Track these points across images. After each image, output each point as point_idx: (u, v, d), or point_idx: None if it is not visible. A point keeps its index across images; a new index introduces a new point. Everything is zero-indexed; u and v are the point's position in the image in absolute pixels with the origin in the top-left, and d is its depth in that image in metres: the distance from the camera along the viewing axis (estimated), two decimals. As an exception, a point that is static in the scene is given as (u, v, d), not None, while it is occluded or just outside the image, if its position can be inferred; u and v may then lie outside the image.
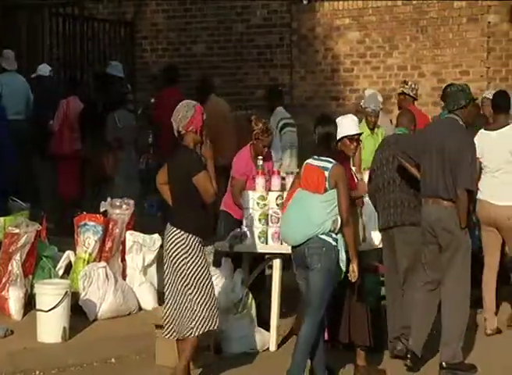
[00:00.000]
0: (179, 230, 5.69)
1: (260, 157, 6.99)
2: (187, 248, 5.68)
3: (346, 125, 6.09)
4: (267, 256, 6.93)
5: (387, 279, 6.64)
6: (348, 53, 11.81)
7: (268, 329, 6.77)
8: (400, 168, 6.43)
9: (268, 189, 6.88)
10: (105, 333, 6.80)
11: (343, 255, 5.69)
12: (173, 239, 5.71)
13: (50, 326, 6.57)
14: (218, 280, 6.75)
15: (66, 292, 6.65)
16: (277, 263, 6.81)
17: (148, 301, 7.39)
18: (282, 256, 6.77)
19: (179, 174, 5.67)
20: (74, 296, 6.92)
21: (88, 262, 7.24)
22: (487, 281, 7.13)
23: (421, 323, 6.24)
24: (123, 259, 7.48)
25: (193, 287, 5.69)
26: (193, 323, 5.70)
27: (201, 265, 5.72)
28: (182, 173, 5.64)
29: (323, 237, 5.67)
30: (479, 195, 6.96)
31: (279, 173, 7.00)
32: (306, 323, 5.71)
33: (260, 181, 6.86)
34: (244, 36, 12.38)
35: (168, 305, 5.82)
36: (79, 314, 6.95)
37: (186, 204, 5.68)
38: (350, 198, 5.78)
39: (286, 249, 6.74)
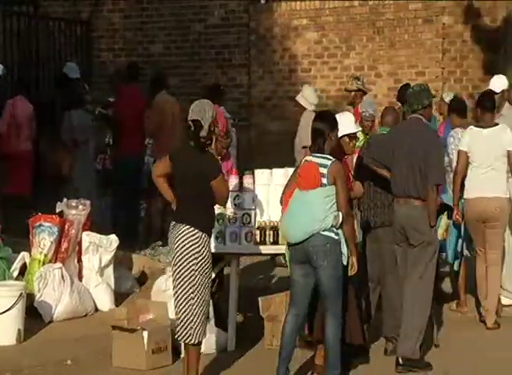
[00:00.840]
0: (193, 229, 5.61)
1: (218, 157, 6.96)
2: (200, 247, 5.63)
3: (346, 123, 6.09)
4: (225, 256, 6.92)
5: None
6: (306, 53, 11.85)
7: (225, 329, 6.75)
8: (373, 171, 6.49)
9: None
10: (61, 335, 6.73)
11: (344, 250, 5.69)
12: (185, 237, 5.62)
13: (4, 329, 6.48)
14: (175, 280, 6.70)
15: (21, 294, 6.56)
16: (234, 263, 6.79)
17: (105, 302, 7.33)
18: (240, 256, 6.76)
19: (195, 176, 5.60)
20: (29, 298, 6.84)
21: (44, 264, 7.16)
22: (492, 279, 7.21)
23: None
24: (79, 260, 7.42)
25: (196, 290, 5.62)
26: (190, 329, 5.65)
27: (209, 266, 5.69)
28: (200, 173, 5.59)
29: (325, 233, 5.65)
30: (467, 195, 7.18)
31: (236, 173, 6.98)
32: (329, 318, 5.66)
33: (233, 180, 6.84)
34: (202, 36, 12.35)
35: (175, 305, 5.71)
36: (34, 316, 6.87)
37: (200, 203, 5.63)
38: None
39: (244, 249, 6.75)
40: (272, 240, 6.68)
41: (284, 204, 5.83)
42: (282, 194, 5.91)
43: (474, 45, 11.38)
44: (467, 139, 7.22)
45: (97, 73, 12.35)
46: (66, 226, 7.37)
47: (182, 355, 6.47)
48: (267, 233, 6.68)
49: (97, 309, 7.29)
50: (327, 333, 5.71)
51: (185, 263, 5.63)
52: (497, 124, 7.28)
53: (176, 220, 5.70)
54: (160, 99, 9.31)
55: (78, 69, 10.62)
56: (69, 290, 7.03)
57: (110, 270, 7.45)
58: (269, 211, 6.80)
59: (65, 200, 7.58)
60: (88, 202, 7.59)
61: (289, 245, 5.80)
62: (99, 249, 7.41)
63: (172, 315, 6.51)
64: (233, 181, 6.84)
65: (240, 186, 6.83)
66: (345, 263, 5.71)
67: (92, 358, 6.42)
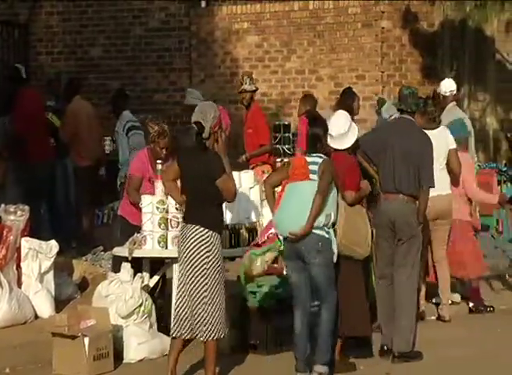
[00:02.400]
0: (202, 228, 5.68)
1: (159, 161, 6.92)
2: (211, 246, 5.69)
3: (341, 123, 6.29)
4: (167, 261, 6.88)
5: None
6: (247, 57, 11.88)
7: (168, 334, 6.70)
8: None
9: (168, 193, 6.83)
10: (0, 343, 6.60)
11: (335, 248, 5.83)
12: (196, 236, 5.68)
13: None
14: (116, 286, 6.65)
15: (-42, 302, 6.41)
16: (177, 268, 6.75)
17: (45, 309, 7.22)
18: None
19: (200, 176, 5.70)
20: (-34, 305, 6.68)
21: (-19, 271, 7.01)
22: (444, 273, 7.54)
23: (388, 320, 6.43)
24: (18, 267, 7.28)
25: (210, 288, 5.67)
26: (206, 327, 5.68)
27: (221, 265, 5.74)
28: (205, 174, 5.69)
29: (317, 231, 5.75)
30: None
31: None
32: (324, 310, 5.78)
33: (159, 185, 6.79)
34: (142, 39, 12.29)
35: (180, 304, 5.75)
36: (-28, 324, 6.72)
37: (208, 203, 5.72)
38: (357, 198, 6.05)
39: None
40: (229, 243, 6.68)
41: (276, 201, 5.91)
42: (267, 184, 6.02)
43: (412, 49, 11.56)
44: None
45: (34, 76, 12.17)
46: (4, 232, 7.22)
47: (124, 361, 6.42)
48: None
49: (37, 316, 7.17)
50: (320, 327, 5.80)
51: (197, 263, 5.69)
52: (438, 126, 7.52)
53: (186, 221, 5.80)
54: (75, 105, 9.16)
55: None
56: (8, 297, 6.89)
57: (50, 276, 7.34)
58: (226, 214, 6.78)
59: (2, 205, 7.43)
60: (27, 208, 7.46)
61: (284, 240, 5.88)
62: (39, 255, 7.28)
63: (113, 320, 6.46)
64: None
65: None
66: (334, 261, 5.84)
67: (32, 366, 6.31)
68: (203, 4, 12.35)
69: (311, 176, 5.80)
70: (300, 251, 5.80)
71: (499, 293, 8.52)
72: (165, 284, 7.14)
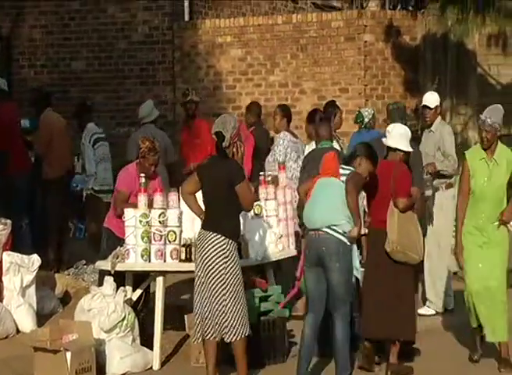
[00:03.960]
0: (220, 236, 5.87)
1: (142, 174, 6.91)
2: (228, 253, 5.88)
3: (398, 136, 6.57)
4: (150, 274, 6.85)
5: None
6: (230, 70, 11.90)
7: (151, 347, 6.68)
8: None
9: (151, 206, 6.81)
10: (-19, 358, 6.54)
11: (357, 264, 6.12)
12: (213, 244, 5.88)
13: None
14: (99, 300, 6.62)
15: None
16: (160, 281, 6.74)
17: (27, 323, 7.17)
18: (165, 274, 6.71)
19: (220, 182, 5.89)
20: None
21: (-38, 285, 6.96)
22: None
23: None
24: (0, 281, 7.24)
25: (229, 293, 5.87)
26: (229, 329, 5.88)
27: (239, 271, 5.92)
28: (224, 182, 5.88)
29: (339, 236, 5.96)
30: None
31: (161, 190, 6.94)
32: (337, 320, 5.94)
33: (142, 199, 6.78)
34: (126, 52, 12.28)
35: (201, 309, 5.93)
36: (-48, 339, 6.66)
37: (226, 211, 5.90)
38: (408, 205, 6.29)
39: (170, 266, 6.70)
40: (197, 257, 6.65)
41: (307, 194, 6.15)
42: (299, 185, 6.42)
43: (395, 63, 11.61)
44: None
45: (17, 89, 12.13)
46: (-14, 246, 7.18)
47: (107, 375, 6.37)
48: (192, 250, 6.65)
49: (18, 331, 7.12)
50: (336, 335, 5.95)
51: (214, 269, 5.88)
52: None
53: (204, 228, 5.97)
54: (46, 118, 9.06)
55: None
56: (-11, 311, 6.84)
57: (32, 290, 7.30)
58: (194, 228, 6.78)
59: (-16, 219, 7.40)
60: (9, 221, 7.43)
61: (307, 242, 6.10)
62: (20, 269, 7.25)
63: (96, 334, 6.43)
64: (158, 199, 6.80)
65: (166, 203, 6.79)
66: (358, 276, 6.15)
67: (14, 380, 6.26)
68: (186, 17, 12.36)
69: (342, 178, 6.10)
70: (321, 253, 5.96)
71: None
72: (148, 298, 7.11)
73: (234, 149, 6.04)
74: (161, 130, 9.43)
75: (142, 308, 6.98)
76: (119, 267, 6.73)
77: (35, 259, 7.30)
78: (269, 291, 6.89)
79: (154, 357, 6.64)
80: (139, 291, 6.86)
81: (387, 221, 6.20)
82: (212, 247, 5.89)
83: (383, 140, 6.53)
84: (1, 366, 6.44)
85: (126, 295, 6.69)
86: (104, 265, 6.84)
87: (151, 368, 6.62)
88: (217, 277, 5.89)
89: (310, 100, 11.47)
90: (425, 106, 7.83)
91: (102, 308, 6.55)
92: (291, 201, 7.36)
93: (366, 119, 9.14)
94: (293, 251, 7.27)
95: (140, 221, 6.72)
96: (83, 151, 9.22)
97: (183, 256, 6.67)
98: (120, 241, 6.87)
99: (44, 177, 8.92)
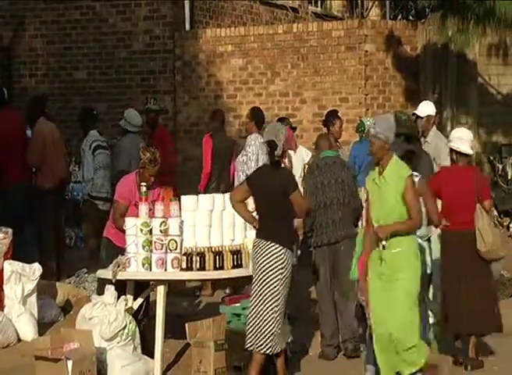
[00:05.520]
0: (278, 245, 5.95)
1: (143, 183, 6.91)
2: (284, 262, 5.96)
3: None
4: (151, 283, 6.85)
5: (323, 291, 6.94)
6: (231, 79, 11.93)
7: (152, 356, 6.67)
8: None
9: (152, 216, 6.81)
10: (-18, 367, 6.54)
11: (428, 260, 6.37)
12: (271, 253, 5.95)
13: None
14: (100, 308, 6.61)
15: None
16: (161, 290, 6.73)
17: (28, 331, 7.16)
18: (166, 283, 6.71)
19: (276, 191, 5.99)
20: (-52, 329, 6.62)
21: (-37, 293, 6.96)
22: None
23: None
24: (1, 289, 7.23)
25: (279, 304, 5.94)
26: (267, 341, 5.94)
27: (289, 281, 5.99)
28: (280, 191, 5.99)
29: (418, 240, 6.07)
30: None
31: (163, 199, 6.94)
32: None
33: (143, 208, 6.78)
34: (127, 61, 12.31)
35: (252, 318, 6.02)
36: (-46, 348, 6.66)
37: (282, 219, 5.99)
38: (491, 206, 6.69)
39: (171, 275, 6.70)
40: (198, 266, 6.65)
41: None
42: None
43: (395, 72, 11.65)
44: None
45: (18, 99, 12.15)
46: (-13, 255, 7.18)
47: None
48: (193, 259, 6.65)
49: (19, 339, 7.11)
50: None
51: (270, 278, 5.96)
52: None
53: (260, 237, 6.03)
54: (41, 126, 8.91)
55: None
56: (-10, 320, 6.84)
57: (33, 299, 7.28)
58: (196, 237, 6.78)
59: (-15, 228, 7.39)
60: (10, 230, 7.43)
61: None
62: (22, 278, 7.24)
63: (97, 343, 6.42)
64: (159, 208, 6.80)
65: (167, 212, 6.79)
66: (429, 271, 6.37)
67: (14, 389, 6.25)
68: (187, 27, 12.40)
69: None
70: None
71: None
72: (148, 306, 7.11)
73: (285, 159, 6.28)
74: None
75: (143, 317, 6.97)
76: (120, 276, 6.72)
77: (36, 268, 7.29)
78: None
79: (156, 366, 6.62)
80: (140, 300, 6.85)
81: (477, 223, 6.45)
82: (270, 256, 5.96)
83: (450, 144, 6.67)
84: (3, 375, 6.44)
85: (127, 304, 6.68)
86: (105, 274, 6.83)
87: (152, 377, 6.61)
88: (271, 287, 5.96)
89: (310, 109, 11.50)
90: (416, 115, 7.85)
91: (103, 316, 6.54)
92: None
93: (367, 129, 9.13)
94: (293, 261, 7.27)
95: (141, 230, 6.71)
96: (82, 157, 9.22)
97: (183, 265, 6.67)
98: (119, 251, 6.87)
99: (38, 187, 8.82)
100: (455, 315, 6.59)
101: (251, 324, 6.03)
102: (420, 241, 6.16)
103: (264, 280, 5.98)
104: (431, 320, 7.15)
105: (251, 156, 8.27)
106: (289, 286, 6.01)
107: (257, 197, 6.10)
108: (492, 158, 11.51)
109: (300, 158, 9.00)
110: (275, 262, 5.96)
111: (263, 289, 5.98)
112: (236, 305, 6.82)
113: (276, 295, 5.94)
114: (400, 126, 7.13)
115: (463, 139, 6.71)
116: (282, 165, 6.40)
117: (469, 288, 6.55)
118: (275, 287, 5.95)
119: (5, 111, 8.97)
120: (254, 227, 6.17)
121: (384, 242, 5.67)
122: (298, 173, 8.56)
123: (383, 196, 5.69)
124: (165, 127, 10.21)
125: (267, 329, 5.95)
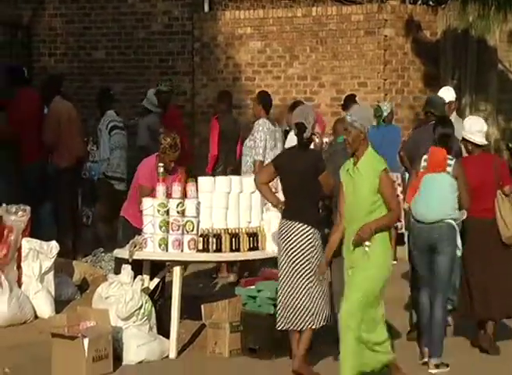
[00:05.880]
0: (306, 225, 6.02)
1: (161, 164, 6.92)
2: (315, 242, 6.04)
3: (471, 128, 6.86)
4: (167, 264, 6.88)
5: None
6: (249, 62, 11.89)
7: (168, 336, 6.72)
8: None
9: (170, 197, 6.83)
10: (-1, 343, 6.60)
11: (459, 243, 6.33)
12: (300, 233, 6.02)
13: None
14: (116, 287, 6.65)
15: (-41, 300, 6.41)
16: (177, 271, 6.77)
17: (45, 309, 7.22)
18: (183, 263, 6.74)
19: (306, 173, 6.05)
20: (-34, 304, 6.68)
21: (-18, 270, 7.01)
22: None
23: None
24: (19, 267, 7.29)
25: (314, 281, 5.99)
26: (310, 317, 6.01)
27: (323, 256, 5.98)
28: (310, 172, 6.06)
29: (451, 222, 6.25)
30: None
31: (180, 180, 6.96)
32: (438, 302, 6.28)
33: (160, 188, 6.80)
34: (146, 42, 12.29)
35: (283, 298, 6.08)
36: (-29, 323, 6.72)
37: (311, 200, 6.07)
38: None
39: (187, 256, 6.73)
40: (214, 247, 6.68)
41: (411, 189, 6.37)
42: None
43: (414, 57, 11.57)
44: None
45: (38, 78, 12.17)
46: (5, 233, 7.23)
47: (123, 363, 6.41)
48: (210, 240, 6.67)
49: (36, 316, 7.17)
50: (435, 315, 6.26)
51: (301, 257, 6.02)
52: None
53: (288, 218, 6.08)
54: (56, 105, 8.89)
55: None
56: (8, 297, 6.90)
57: (50, 277, 7.34)
58: (212, 218, 6.79)
59: (4, 205, 7.44)
60: (28, 208, 7.47)
61: (414, 232, 6.31)
62: (39, 256, 7.29)
63: (113, 322, 6.46)
64: (176, 188, 6.82)
65: (184, 193, 6.81)
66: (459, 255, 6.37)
67: (31, 366, 6.31)
68: (206, 8, 12.36)
69: (448, 169, 6.28)
70: (433, 240, 6.24)
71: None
72: (164, 287, 7.14)
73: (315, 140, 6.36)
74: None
75: (159, 298, 7.01)
76: (137, 256, 6.76)
77: (54, 246, 7.34)
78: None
79: (171, 346, 6.67)
80: (156, 280, 6.89)
81: (499, 209, 6.60)
82: (299, 237, 6.03)
83: (465, 135, 6.75)
84: (19, 351, 6.50)
85: (143, 284, 6.72)
86: (122, 253, 6.87)
87: (168, 357, 6.65)
88: (304, 267, 6.02)
89: (328, 93, 11.45)
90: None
91: (120, 296, 6.59)
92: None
93: (385, 114, 9.11)
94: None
95: (158, 210, 6.75)
96: (99, 136, 9.25)
97: (200, 246, 6.69)
98: (136, 231, 6.90)
99: (54, 166, 8.86)
100: (482, 301, 6.67)
101: (283, 305, 6.06)
102: (454, 223, 6.26)
103: (295, 261, 6.03)
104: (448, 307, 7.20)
105: (259, 143, 8.23)
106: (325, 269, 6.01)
107: (284, 178, 6.15)
108: (510, 145, 11.45)
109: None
110: (305, 242, 6.02)
111: (294, 269, 6.03)
112: (252, 287, 6.83)
113: (310, 272, 6.00)
114: (434, 108, 7.23)
115: (477, 130, 6.76)
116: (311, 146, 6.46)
117: (493, 273, 6.64)
118: (306, 266, 6.01)
119: (25, 89, 9.00)
120: (280, 209, 6.20)
121: (367, 243, 5.51)
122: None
123: (356, 187, 5.54)
124: (177, 108, 10.21)
125: (305, 306, 6.01)
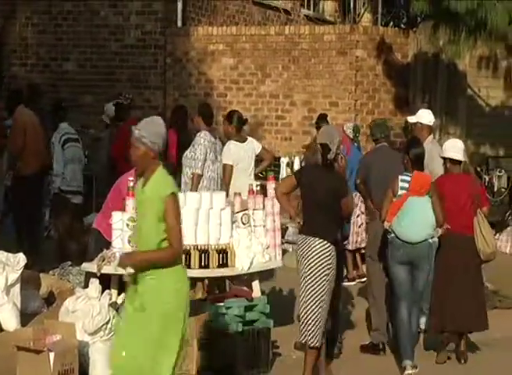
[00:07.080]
0: (325, 242, 6.12)
1: (130, 178, 6.87)
2: (332, 259, 6.15)
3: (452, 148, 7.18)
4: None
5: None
6: (221, 78, 11.93)
7: (134, 352, 6.64)
8: None
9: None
10: (-37, 355, 6.48)
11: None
12: (319, 250, 6.11)
13: None
14: (84, 301, 6.58)
15: None
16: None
17: (10, 322, 7.10)
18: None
19: (329, 193, 6.19)
20: None
21: None
22: None
23: None
24: (-15, 279, 7.17)
25: (326, 297, 6.12)
26: (317, 333, 6.13)
27: (334, 277, 6.18)
28: (333, 193, 6.21)
29: (431, 241, 6.63)
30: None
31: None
32: (414, 313, 6.68)
33: (130, 202, 6.75)
34: (118, 55, 12.28)
35: (307, 312, 6.15)
36: None
37: (330, 218, 6.18)
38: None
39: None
40: (183, 263, 6.63)
41: (393, 208, 6.64)
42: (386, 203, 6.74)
43: (385, 79, 11.70)
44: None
45: (7, 87, 12.09)
46: (-28, 243, 7.12)
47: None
48: (192, 255, 6.64)
49: (2, 329, 7.06)
50: (412, 324, 6.65)
51: (318, 273, 6.12)
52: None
53: (307, 233, 6.18)
54: (20, 114, 8.81)
55: None
56: (-27, 309, 6.79)
57: (17, 289, 7.23)
58: (196, 234, 6.77)
59: (-29, 216, 7.34)
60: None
61: (395, 247, 6.63)
62: (6, 268, 7.18)
63: (80, 336, 6.39)
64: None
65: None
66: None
67: (-5, 379, 6.21)
68: (179, 23, 12.39)
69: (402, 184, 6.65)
70: (415, 257, 6.61)
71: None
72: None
73: (339, 160, 6.34)
74: None
75: (126, 312, 6.94)
76: (105, 270, 6.70)
77: (21, 258, 7.24)
78: (255, 300, 6.89)
79: (137, 362, 6.59)
80: (124, 295, 6.82)
81: (480, 227, 6.90)
82: (318, 253, 6.11)
83: (446, 154, 7.03)
84: (-17, 365, 6.39)
85: (111, 298, 6.66)
86: (90, 267, 6.81)
87: None
88: (319, 282, 6.10)
89: (300, 112, 11.53)
90: (419, 122, 7.91)
91: (87, 310, 6.51)
92: (278, 212, 7.38)
93: (350, 135, 9.16)
94: (279, 262, 7.28)
95: (127, 225, 6.70)
96: (52, 150, 9.17)
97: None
98: (108, 243, 6.84)
99: (18, 174, 8.73)
100: (445, 313, 6.90)
101: (305, 320, 6.17)
102: (432, 241, 6.59)
103: (313, 275, 6.11)
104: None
105: (199, 156, 8.17)
106: (332, 284, 6.19)
107: (306, 194, 6.25)
108: (479, 169, 11.58)
109: (250, 149, 8.36)
110: (323, 258, 6.11)
111: (313, 283, 6.12)
112: (221, 304, 6.81)
113: (324, 289, 6.11)
114: (383, 132, 7.47)
115: (457, 148, 7.03)
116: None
117: (462, 288, 6.87)
118: (323, 281, 6.11)
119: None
120: (298, 222, 6.33)
121: (129, 269, 4.59)
122: (249, 164, 8.19)
123: (143, 212, 4.67)
124: (134, 120, 10.12)
125: (313, 321, 6.12)
